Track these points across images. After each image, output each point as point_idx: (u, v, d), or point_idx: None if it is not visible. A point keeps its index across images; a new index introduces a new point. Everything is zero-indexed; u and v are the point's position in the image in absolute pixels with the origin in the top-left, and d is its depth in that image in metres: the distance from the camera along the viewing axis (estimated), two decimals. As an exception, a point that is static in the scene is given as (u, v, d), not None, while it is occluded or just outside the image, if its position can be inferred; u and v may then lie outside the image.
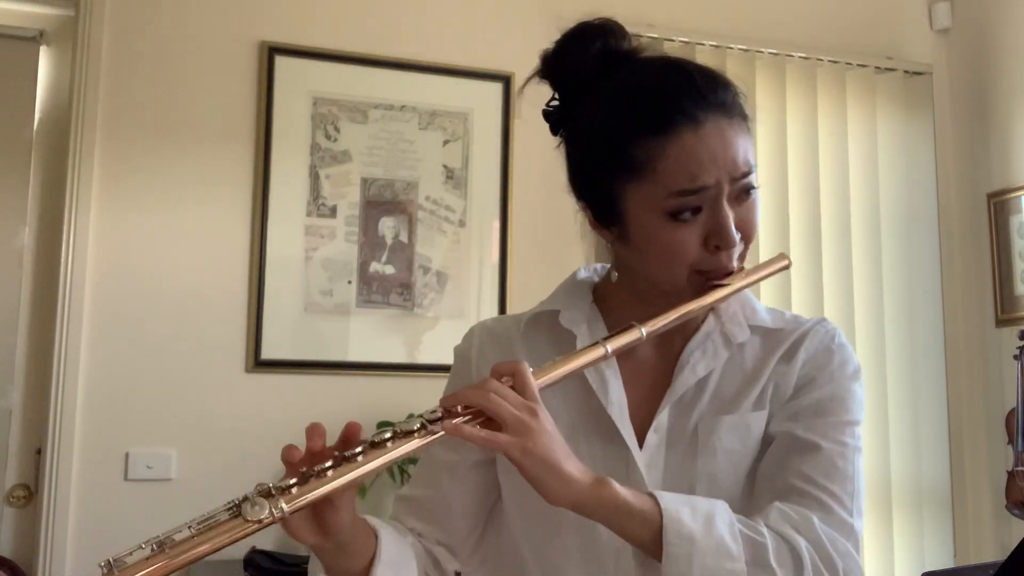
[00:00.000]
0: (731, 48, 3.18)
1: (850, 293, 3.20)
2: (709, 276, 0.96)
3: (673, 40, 3.10)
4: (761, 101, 3.20)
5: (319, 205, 2.74)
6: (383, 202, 2.82)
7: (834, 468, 0.95)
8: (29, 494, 2.57)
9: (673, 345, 1.03)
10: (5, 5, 2.70)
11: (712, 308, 1.01)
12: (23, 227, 2.69)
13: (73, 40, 2.62)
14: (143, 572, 0.74)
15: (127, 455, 2.52)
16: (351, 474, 0.82)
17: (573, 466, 0.85)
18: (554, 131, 1.07)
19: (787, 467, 0.96)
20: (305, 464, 0.83)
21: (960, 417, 3.32)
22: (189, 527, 0.78)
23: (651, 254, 0.96)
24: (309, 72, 2.79)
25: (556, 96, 1.06)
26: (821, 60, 3.29)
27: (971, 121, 3.41)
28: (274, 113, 2.73)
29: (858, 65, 3.33)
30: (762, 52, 3.22)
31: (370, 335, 2.75)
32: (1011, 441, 3.03)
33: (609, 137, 0.96)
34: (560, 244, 2.99)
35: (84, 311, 2.53)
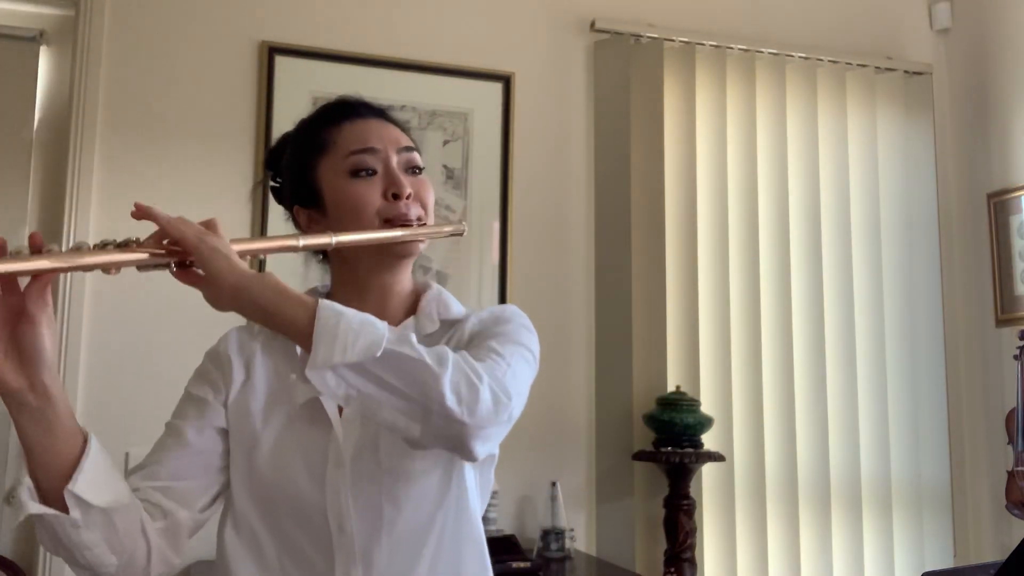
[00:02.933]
0: (731, 48, 3.18)
1: (850, 293, 3.20)
2: (393, 223, 1.14)
3: (673, 40, 3.10)
4: (761, 101, 3.20)
5: (319, 205, 2.74)
6: (383, 202, 2.81)
7: (492, 349, 1.07)
8: (29, 494, 2.57)
9: None
10: (5, 5, 2.70)
11: (415, 308, 1.20)
12: (23, 227, 2.69)
13: (73, 40, 2.62)
14: None
15: (127, 455, 2.51)
16: (41, 261, 0.89)
17: (241, 261, 0.98)
18: (280, 202, 1.28)
19: None
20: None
21: (960, 417, 3.32)
22: None
23: (344, 210, 1.14)
24: (309, 72, 2.79)
25: (277, 179, 1.30)
26: (821, 60, 3.29)
27: (971, 121, 3.41)
28: (274, 113, 2.73)
29: (858, 65, 3.33)
30: (762, 52, 3.22)
31: (370, 335, 2.75)
32: (1011, 441, 3.03)
33: (302, 138, 1.23)
34: (560, 244, 2.99)
35: (84, 311, 2.53)
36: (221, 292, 0.95)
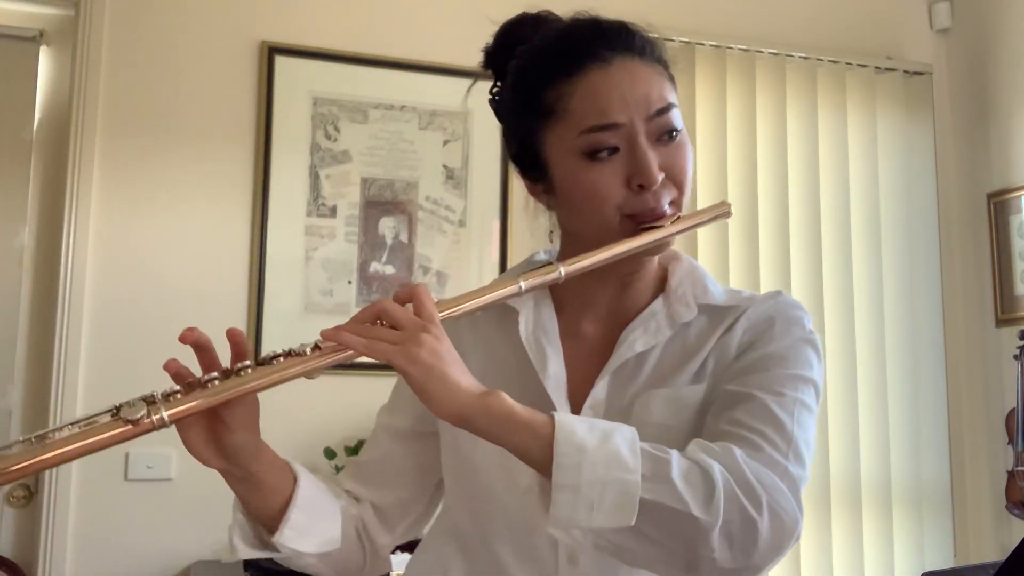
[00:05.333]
0: (731, 48, 3.18)
1: (850, 293, 3.20)
2: (638, 220, 0.92)
3: (673, 40, 3.09)
4: (761, 101, 3.20)
5: (319, 205, 2.74)
6: (383, 202, 2.82)
7: (767, 412, 0.88)
8: (29, 494, 2.57)
9: (618, 324, 1.00)
10: (5, 5, 2.70)
11: (662, 289, 0.99)
12: (23, 227, 2.69)
13: (73, 40, 2.62)
14: (19, 465, 0.74)
15: (127, 455, 2.52)
16: (237, 387, 0.83)
17: (461, 375, 0.81)
18: (500, 119, 1.08)
19: (719, 417, 0.90)
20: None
21: (960, 417, 3.32)
22: (70, 427, 0.78)
23: (576, 199, 0.94)
24: (309, 72, 2.78)
25: (497, 83, 1.08)
26: (821, 60, 3.29)
27: (971, 121, 3.41)
28: (274, 113, 2.73)
29: (858, 65, 3.33)
30: (762, 52, 3.22)
31: (370, 335, 2.75)
32: (1011, 441, 3.03)
33: (525, 88, 0.98)
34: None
35: (84, 311, 2.52)
36: (439, 415, 0.81)
